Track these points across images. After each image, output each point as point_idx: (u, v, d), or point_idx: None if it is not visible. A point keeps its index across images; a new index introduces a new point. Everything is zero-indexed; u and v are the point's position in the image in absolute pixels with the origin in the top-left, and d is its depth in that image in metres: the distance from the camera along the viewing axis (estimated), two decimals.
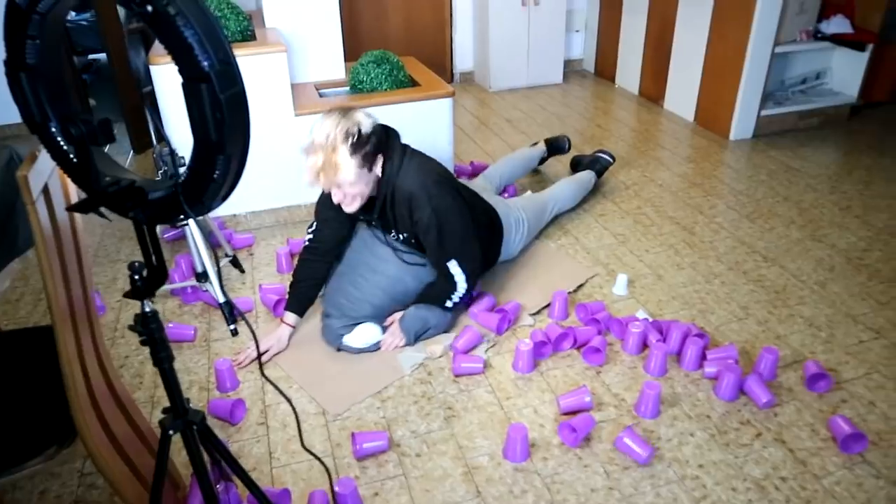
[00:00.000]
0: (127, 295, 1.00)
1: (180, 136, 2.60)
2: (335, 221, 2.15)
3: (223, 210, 2.84)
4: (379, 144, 1.96)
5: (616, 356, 2.10)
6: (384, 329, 2.15)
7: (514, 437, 1.69)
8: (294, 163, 2.82)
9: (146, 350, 1.05)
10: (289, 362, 2.09)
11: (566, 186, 2.94)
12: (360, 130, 1.88)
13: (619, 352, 2.11)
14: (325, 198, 2.09)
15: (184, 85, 0.82)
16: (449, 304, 2.13)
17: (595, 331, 2.14)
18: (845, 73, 4.02)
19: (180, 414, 1.13)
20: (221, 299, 2.21)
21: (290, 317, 2.16)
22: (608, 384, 1.98)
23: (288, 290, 2.20)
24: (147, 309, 1.02)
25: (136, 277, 0.99)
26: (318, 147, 1.87)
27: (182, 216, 0.93)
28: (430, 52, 4.81)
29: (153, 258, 1.01)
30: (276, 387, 1.15)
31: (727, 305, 2.34)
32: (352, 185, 1.93)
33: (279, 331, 2.14)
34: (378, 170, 1.99)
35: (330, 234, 2.17)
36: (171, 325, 2.22)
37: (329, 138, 1.86)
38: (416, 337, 2.14)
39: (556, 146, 3.34)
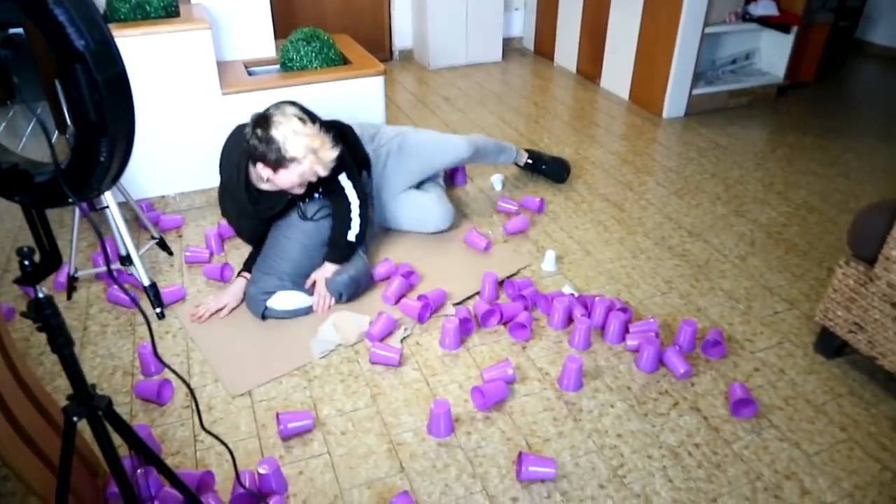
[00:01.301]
0: (17, 281, 0.98)
1: None
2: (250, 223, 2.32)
3: (151, 191, 2.78)
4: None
5: (542, 331, 2.14)
6: (308, 293, 2.20)
7: (437, 413, 1.72)
8: (223, 142, 2.77)
9: (41, 332, 1.03)
10: (203, 339, 2.09)
11: (484, 138, 2.85)
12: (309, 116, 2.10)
13: (546, 327, 2.16)
14: (235, 211, 2.27)
15: (57, 66, 0.79)
16: (351, 235, 2.24)
17: (521, 307, 2.18)
18: (772, 54, 4.15)
19: (84, 400, 1.11)
20: (146, 283, 2.16)
21: (248, 274, 2.26)
22: (533, 359, 2.03)
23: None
24: (40, 295, 1.00)
25: (27, 263, 0.97)
26: (305, 149, 2.01)
27: (69, 201, 0.91)
28: (369, 29, 4.75)
29: (45, 242, 0.98)
30: (175, 372, 1.14)
31: (652, 280, 2.42)
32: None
33: (235, 286, 2.22)
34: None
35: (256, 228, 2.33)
36: (115, 287, 2.25)
37: (309, 136, 2.02)
38: (349, 297, 2.22)
39: (545, 164, 3.07)
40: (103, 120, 0.83)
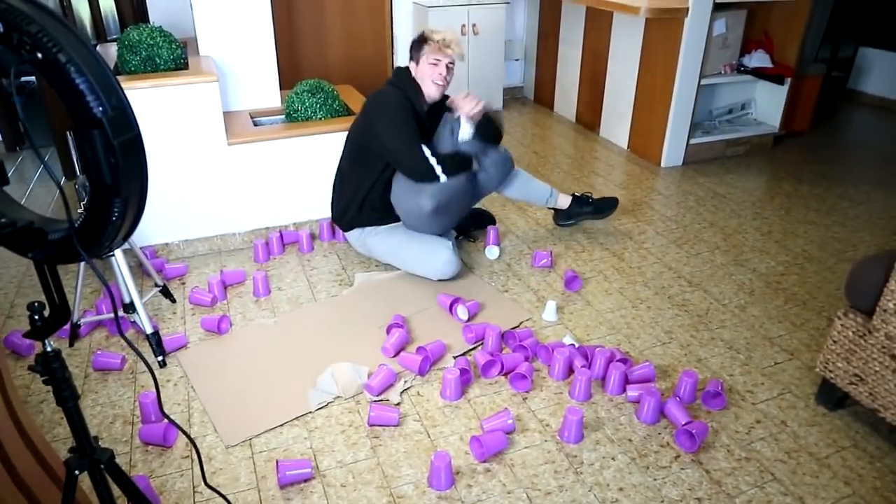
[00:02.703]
0: (27, 335, 0.99)
1: None
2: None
3: (155, 238, 2.81)
4: None
5: (543, 382, 2.14)
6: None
7: (437, 466, 1.71)
8: (227, 191, 2.82)
9: (47, 385, 1.04)
10: (202, 387, 2.09)
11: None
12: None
13: (546, 377, 2.16)
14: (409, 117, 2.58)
15: (75, 130, 0.83)
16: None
17: (522, 357, 2.18)
18: (768, 104, 4.24)
19: (87, 453, 1.12)
20: (149, 330, 2.17)
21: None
22: (534, 410, 2.02)
23: None
24: (48, 348, 1.01)
25: (37, 318, 0.98)
26: (451, 36, 2.57)
27: (81, 258, 0.93)
28: (372, 78, 4.84)
29: (55, 297, 1.00)
30: (179, 427, 1.15)
31: (652, 330, 2.42)
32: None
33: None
34: None
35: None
36: (99, 352, 2.20)
37: (453, 32, 2.60)
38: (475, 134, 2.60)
39: (587, 205, 3.09)
40: (117, 182, 0.86)
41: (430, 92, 2.60)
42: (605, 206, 3.07)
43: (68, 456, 1.14)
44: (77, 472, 1.12)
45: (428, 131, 2.62)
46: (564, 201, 3.04)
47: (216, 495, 1.70)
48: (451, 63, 2.60)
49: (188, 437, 1.15)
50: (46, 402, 2.03)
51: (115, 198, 0.87)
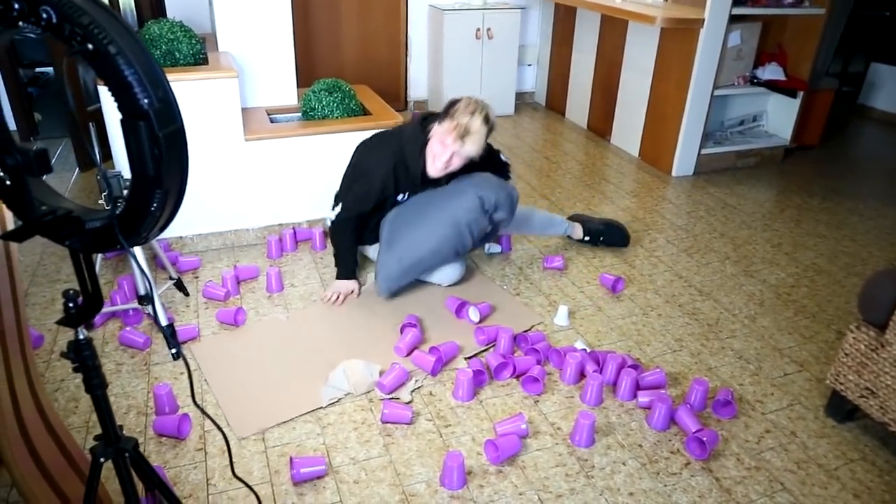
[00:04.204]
0: (61, 322, 1.00)
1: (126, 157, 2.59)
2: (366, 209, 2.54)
3: (169, 231, 2.82)
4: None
5: (554, 385, 2.15)
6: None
7: (450, 466, 1.72)
8: (243, 187, 2.84)
9: (77, 372, 1.05)
10: (216, 380, 2.10)
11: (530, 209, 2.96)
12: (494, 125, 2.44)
13: (558, 381, 2.17)
14: (374, 194, 2.48)
15: (122, 121, 0.84)
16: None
17: (534, 360, 2.19)
18: (780, 117, 4.25)
19: (112, 441, 1.13)
20: (163, 323, 2.18)
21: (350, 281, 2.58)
22: (545, 413, 2.03)
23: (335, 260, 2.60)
24: (81, 336, 1.02)
25: (71, 305, 0.99)
26: (475, 129, 2.36)
27: (118, 247, 0.94)
28: (385, 79, 4.88)
29: (89, 286, 1.01)
30: (206, 415, 1.16)
31: (662, 337, 2.43)
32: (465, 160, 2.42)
33: (349, 282, 2.57)
34: None
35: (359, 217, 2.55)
36: (128, 329, 2.26)
37: (482, 125, 2.38)
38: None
39: (602, 236, 3.04)
40: (160, 173, 0.87)
41: (429, 169, 2.44)
42: (616, 241, 3.06)
43: (93, 444, 1.15)
44: (102, 459, 1.13)
45: (415, 189, 2.53)
46: (579, 231, 3.03)
47: (229, 488, 1.72)
48: (455, 155, 2.39)
49: (220, 429, 1.16)
50: (61, 391, 2.04)
51: (156, 189, 0.88)
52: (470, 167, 2.50)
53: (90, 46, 0.80)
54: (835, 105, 4.59)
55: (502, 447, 1.80)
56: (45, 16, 0.79)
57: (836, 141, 4.82)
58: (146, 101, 0.83)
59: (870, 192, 3.89)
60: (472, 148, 2.38)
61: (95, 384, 1.06)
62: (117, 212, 0.92)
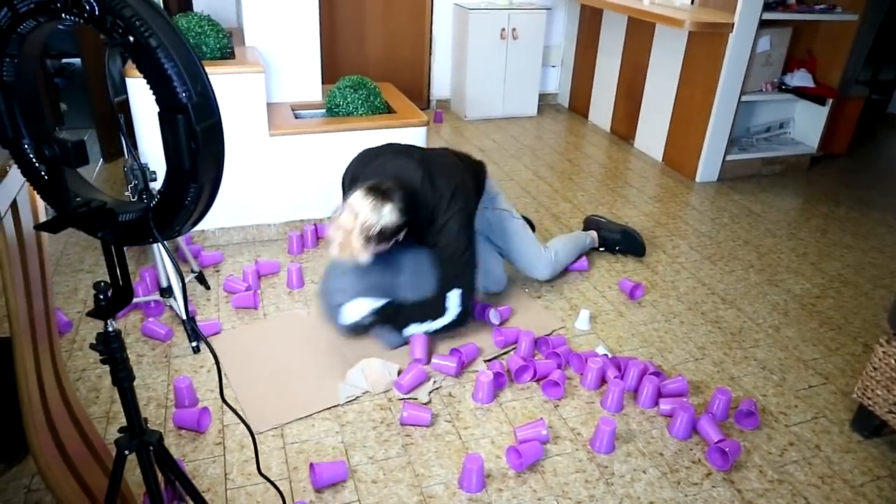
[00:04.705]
0: (91, 314, 1.00)
1: (153, 148, 2.61)
2: None
3: None
4: (400, 229, 2.08)
5: (574, 390, 2.13)
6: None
7: (469, 468, 1.70)
8: (266, 182, 2.84)
9: (104, 364, 1.05)
10: (235, 374, 2.11)
11: (564, 252, 2.77)
12: (381, 231, 2.01)
13: (578, 386, 2.15)
14: None
15: (160, 114, 0.83)
16: (431, 327, 2.22)
17: (555, 364, 2.17)
18: (807, 124, 4.19)
19: (137, 434, 1.13)
20: (185, 317, 2.19)
21: None
22: (565, 418, 2.01)
23: None
24: (110, 328, 1.02)
25: (101, 297, 0.99)
26: (342, 226, 2.01)
27: (151, 240, 0.94)
28: (408, 78, 4.87)
29: (119, 278, 1.01)
30: (235, 412, 1.16)
31: (685, 345, 2.40)
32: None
33: None
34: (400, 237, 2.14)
35: None
36: (150, 320, 2.28)
37: (354, 226, 1.99)
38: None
39: (618, 246, 2.97)
40: (195, 168, 0.86)
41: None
42: (632, 250, 3.00)
43: (113, 434, 1.15)
44: (127, 452, 1.13)
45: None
46: (595, 239, 2.97)
47: (247, 483, 1.71)
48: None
49: (247, 425, 1.16)
50: (82, 380, 2.05)
51: (191, 183, 0.88)
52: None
53: (131, 39, 0.80)
54: (863, 113, 4.51)
55: (525, 454, 1.78)
56: (87, 7, 0.79)
57: (865, 150, 4.74)
58: (185, 94, 0.83)
59: None
60: (339, 236, 2.03)
61: (123, 376, 1.06)
62: (151, 204, 0.92)
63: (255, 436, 1.85)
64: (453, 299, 2.17)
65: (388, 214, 2.01)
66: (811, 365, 2.35)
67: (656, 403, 2.07)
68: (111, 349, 1.03)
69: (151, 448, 1.14)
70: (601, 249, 3.00)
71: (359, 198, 2.01)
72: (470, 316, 2.27)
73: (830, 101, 3.98)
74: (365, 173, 2.19)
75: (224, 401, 1.07)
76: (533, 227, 3.05)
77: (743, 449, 1.93)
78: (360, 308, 2.19)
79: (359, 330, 2.24)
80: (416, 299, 2.24)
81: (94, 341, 1.03)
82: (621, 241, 2.97)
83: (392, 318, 2.22)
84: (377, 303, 2.22)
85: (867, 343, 2.48)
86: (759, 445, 1.96)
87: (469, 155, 2.51)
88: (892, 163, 4.69)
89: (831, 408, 2.14)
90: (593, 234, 2.97)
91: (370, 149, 2.34)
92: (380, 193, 2.01)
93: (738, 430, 2.01)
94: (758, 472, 1.87)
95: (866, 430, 2.04)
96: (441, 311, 2.18)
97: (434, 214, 2.15)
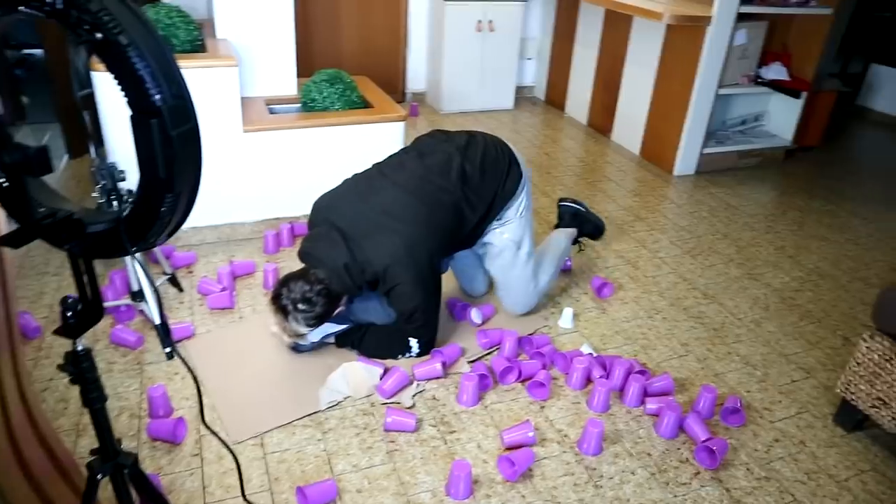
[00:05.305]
0: (58, 332, 0.93)
1: (122, 146, 2.50)
2: None
3: None
4: (332, 309, 2.02)
5: (560, 391, 2.10)
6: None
7: (457, 475, 1.66)
8: (240, 179, 2.76)
9: (74, 384, 0.98)
10: (211, 381, 2.03)
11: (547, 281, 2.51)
12: (310, 324, 1.99)
13: (563, 386, 2.12)
14: None
15: (132, 119, 0.77)
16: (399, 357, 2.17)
17: (540, 365, 2.14)
18: (781, 117, 4.21)
19: (110, 457, 1.06)
20: (157, 321, 2.11)
21: None
22: (552, 419, 1.98)
23: None
24: (80, 347, 0.95)
25: (69, 314, 0.92)
26: (276, 311, 1.98)
27: (123, 253, 0.87)
28: (384, 70, 4.79)
29: (89, 293, 0.94)
30: (219, 438, 1.09)
31: (668, 342, 2.39)
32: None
33: None
34: (342, 304, 2.08)
35: None
36: (119, 326, 2.18)
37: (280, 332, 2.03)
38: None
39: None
40: (172, 176, 0.80)
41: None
42: (591, 234, 2.87)
43: (83, 448, 1.08)
44: (100, 476, 1.06)
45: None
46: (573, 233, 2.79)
47: (227, 496, 1.65)
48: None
49: (230, 450, 1.10)
50: (50, 391, 1.96)
51: (167, 193, 0.82)
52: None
53: (99, 36, 0.73)
54: (835, 106, 4.56)
55: (518, 461, 1.74)
56: (48, 0, 0.72)
57: (837, 142, 4.79)
58: (159, 97, 0.76)
59: (871, 196, 3.87)
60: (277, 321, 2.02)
61: (94, 397, 0.99)
62: (123, 214, 0.85)
63: (236, 451, 1.79)
64: (415, 347, 2.15)
65: (305, 316, 1.96)
66: (793, 359, 2.35)
67: (642, 402, 2.05)
68: (81, 369, 0.96)
69: (126, 471, 1.08)
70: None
71: (272, 311, 2.00)
72: (432, 348, 2.20)
73: (804, 94, 4.00)
74: (311, 235, 2.10)
75: (206, 426, 1.01)
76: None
77: (729, 447, 1.92)
78: (322, 329, 2.13)
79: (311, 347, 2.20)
80: (381, 323, 2.21)
81: (63, 361, 0.96)
82: (579, 231, 2.80)
83: (356, 345, 2.18)
84: (339, 327, 2.18)
85: (846, 336, 2.50)
86: (746, 443, 1.96)
87: (504, 164, 2.27)
88: (863, 154, 4.76)
89: (814, 402, 2.15)
90: (571, 232, 2.78)
91: (331, 196, 2.18)
92: (286, 306, 1.95)
93: (723, 427, 2.01)
94: (745, 469, 1.86)
95: (849, 424, 2.05)
96: (404, 348, 2.15)
97: (376, 278, 2.03)
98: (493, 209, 2.21)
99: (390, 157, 2.26)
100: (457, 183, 2.11)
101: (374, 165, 2.23)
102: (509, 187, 2.25)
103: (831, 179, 4.07)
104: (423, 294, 2.04)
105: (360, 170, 2.22)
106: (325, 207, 2.12)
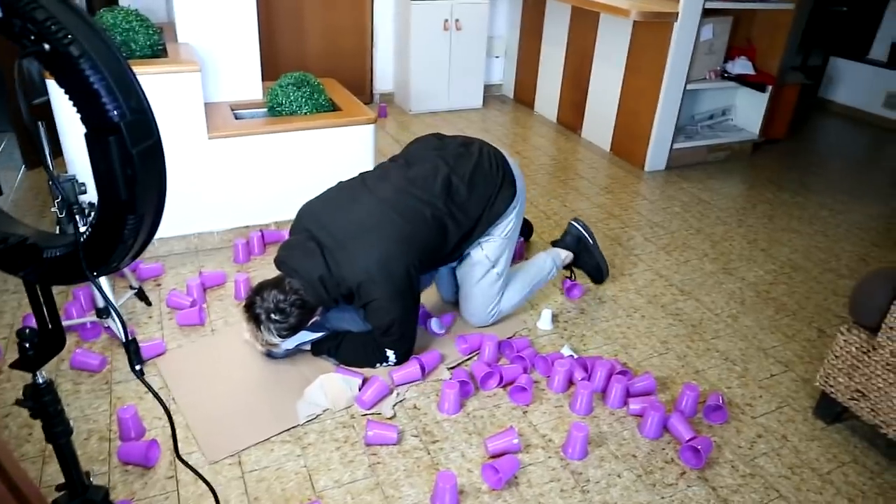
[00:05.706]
0: (14, 366, 0.87)
1: (83, 156, 2.40)
2: None
3: None
4: (306, 319, 1.98)
5: (542, 394, 2.07)
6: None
7: (442, 487, 1.62)
8: (206, 188, 2.68)
9: (35, 419, 0.92)
10: (184, 399, 1.96)
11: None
12: (283, 335, 1.96)
13: (546, 390, 2.09)
14: None
15: (87, 136, 0.71)
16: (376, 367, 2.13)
17: (521, 369, 2.11)
18: (748, 111, 4.25)
19: (79, 493, 1.00)
20: (124, 339, 2.03)
21: None
22: (535, 424, 1.95)
23: None
24: (40, 380, 0.89)
25: (28, 345, 0.86)
26: (248, 319, 1.95)
27: (81, 279, 0.81)
28: (350, 71, 4.72)
29: (48, 322, 0.88)
30: (198, 474, 1.04)
31: (648, 340, 2.38)
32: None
33: None
34: (317, 315, 2.03)
35: None
36: (79, 350, 2.07)
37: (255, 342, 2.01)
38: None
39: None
40: (133, 197, 0.74)
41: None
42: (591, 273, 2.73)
43: (50, 480, 1.02)
44: None
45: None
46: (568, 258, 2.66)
47: None
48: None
49: (207, 482, 1.04)
50: (12, 416, 1.87)
51: (129, 215, 0.76)
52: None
53: (47, 47, 0.67)
54: (798, 98, 4.62)
55: (503, 469, 1.71)
56: None
57: (801, 134, 4.86)
58: (116, 112, 0.71)
59: (838, 186, 3.92)
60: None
61: (59, 432, 0.93)
62: (82, 238, 0.79)
63: (213, 470, 1.72)
64: (391, 357, 2.10)
65: (278, 327, 1.92)
66: (771, 353, 2.36)
67: (625, 403, 2.03)
68: (43, 403, 0.90)
69: None
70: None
71: (244, 319, 1.97)
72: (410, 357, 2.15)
73: (770, 87, 4.05)
74: (288, 242, 2.05)
75: (182, 460, 0.95)
76: (530, 233, 2.94)
77: (713, 444, 1.92)
78: (297, 337, 2.08)
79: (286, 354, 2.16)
80: (357, 331, 2.17)
81: (22, 396, 0.89)
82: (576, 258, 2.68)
83: (332, 353, 2.14)
84: (314, 335, 2.14)
85: (821, 328, 2.52)
86: (729, 440, 1.95)
87: (501, 175, 2.19)
88: (827, 146, 4.84)
89: (794, 396, 2.15)
90: (563, 256, 2.62)
91: (314, 203, 2.11)
92: (259, 315, 1.92)
93: (706, 425, 2.00)
94: (730, 467, 1.85)
95: (829, 416, 2.06)
96: (381, 358, 2.10)
97: (352, 292, 1.98)
98: (479, 226, 2.15)
99: (378, 165, 2.21)
100: (440, 195, 2.05)
101: (359, 174, 2.18)
102: (498, 207, 2.17)
103: (798, 171, 4.13)
104: (400, 310, 1.99)
105: (329, 175, 2.17)
106: (307, 215, 2.06)
